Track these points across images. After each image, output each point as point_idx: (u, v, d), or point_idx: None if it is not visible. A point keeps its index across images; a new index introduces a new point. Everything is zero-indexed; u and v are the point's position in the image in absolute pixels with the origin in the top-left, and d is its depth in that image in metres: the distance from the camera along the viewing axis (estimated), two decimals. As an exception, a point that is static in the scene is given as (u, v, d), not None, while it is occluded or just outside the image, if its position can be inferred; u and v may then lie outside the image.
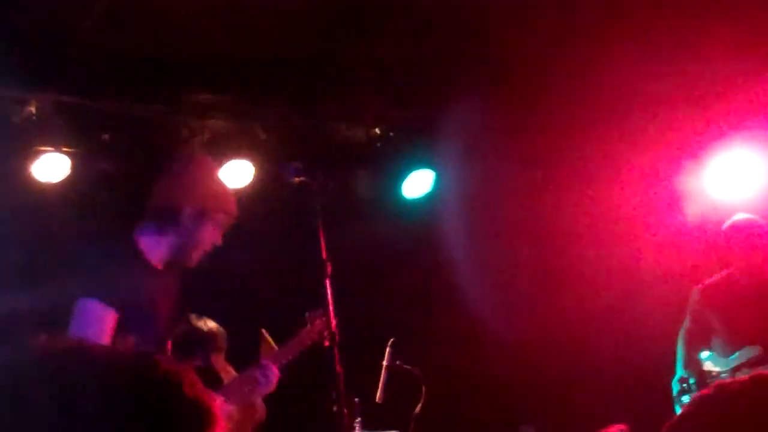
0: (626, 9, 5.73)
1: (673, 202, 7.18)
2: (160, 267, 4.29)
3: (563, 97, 6.56)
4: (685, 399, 6.35)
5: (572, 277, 7.45)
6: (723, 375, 6.27)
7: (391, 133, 7.00)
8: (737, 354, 6.24)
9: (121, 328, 4.05)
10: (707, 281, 6.50)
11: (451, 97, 6.45)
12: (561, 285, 7.49)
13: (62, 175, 6.35)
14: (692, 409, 1.87)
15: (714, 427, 1.79)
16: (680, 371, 6.42)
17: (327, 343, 4.43)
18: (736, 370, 6.21)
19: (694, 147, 6.99)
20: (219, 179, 4.53)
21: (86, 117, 6.34)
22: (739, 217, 6.35)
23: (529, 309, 7.51)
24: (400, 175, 7.21)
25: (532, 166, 7.40)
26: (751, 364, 6.16)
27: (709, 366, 6.37)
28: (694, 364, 6.41)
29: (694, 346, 6.45)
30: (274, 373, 4.75)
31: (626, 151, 7.02)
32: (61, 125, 6.26)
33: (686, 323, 6.54)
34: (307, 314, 5.00)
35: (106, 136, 6.44)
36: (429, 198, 7.27)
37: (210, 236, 4.34)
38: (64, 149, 6.34)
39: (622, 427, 5.45)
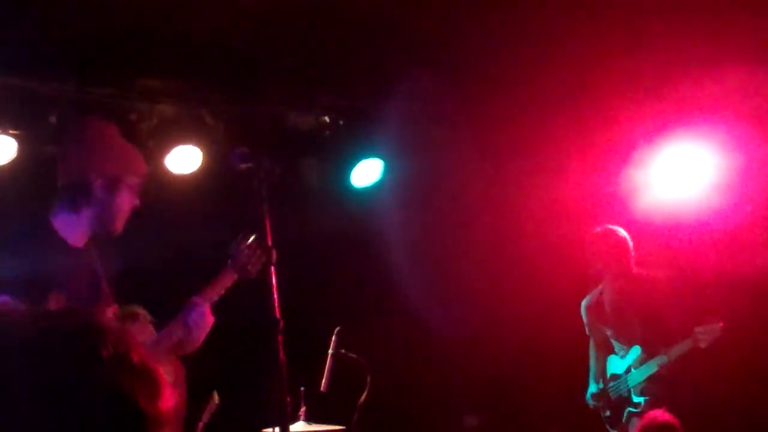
0: (575, 3, 5.76)
1: (620, 196, 7.24)
2: (81, 245, 4.16)
3: (513, 90, 6.59)
4: (606, 413, 6.61)
5: (518, 270, 7.49)
6: (621, 377, 6.52)
7: (341, 122, 6.99)
8: (626, 356, 6.50)
9: None
10: (588, 296, 6.83)
11: (402, 87, 6.45)
12: (506, 277, 7.53)
13: (8, 158, 6.29)
14: None
15: None
16: (591, 386, 6.71)
17: (252, 274, 4.53)
18: (626, 372, 6.55)
19: (640, 141, 7.05)
20: (122, 140, 4.33)
21: (34, 99, 6.28)
22: (597, 229, 6.68)
23: (476, 300, 7.54)
24: (349, 164, 7.21)
25: (481, 157, 7.42)
26: (636, 364, 6.49)
27: (611, 370, 6.64)
28: (601, 374, 6.69)
29: (602, 355, 6.72)
30: (208, 312, 4.51)
31: (574, 145, 7.07)
32: (8, 107, 6.20)
33: (590, 337, 6.83)
34: (231, 244, 4.77)
35: (53, 119, 6.38)
36: (377, 187, 7.27)
37: (127, 202, 4.22)
38: (11, 131, 6.28)
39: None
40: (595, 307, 6.76)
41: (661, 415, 5.43)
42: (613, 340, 6.71)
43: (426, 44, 6.16)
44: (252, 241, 4.61)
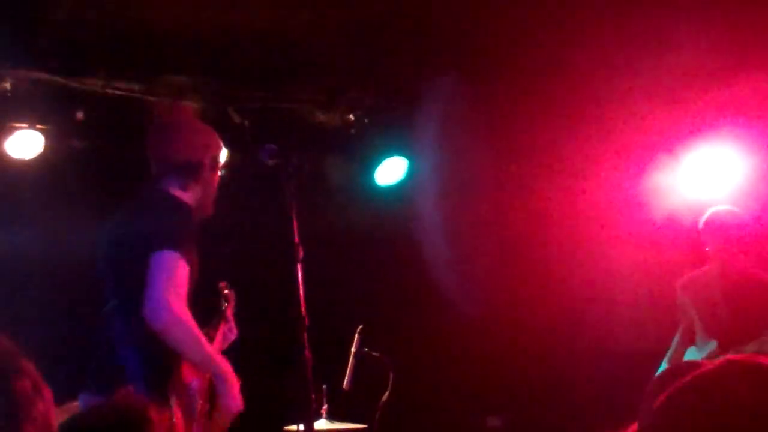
0: (602, 5, 5.74)
1: (648, 197, 7.20)
2: None
3: (538, 90, 6.57)
4: None
5: (545, 270, 7.47)
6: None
7: (366, 120, 6.99)
8: (703, 349, 6.28)
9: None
10: (688, 274, 6.44)
11: (427, 86, 6.45)
12: (533, 277, 7.51)
13: (35, 152, 6.33)
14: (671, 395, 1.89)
15: (692, 412, 1.82)
16: (663, 365, 6.47)
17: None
18: (710, 356, 6.21)
19: (668, 143, 7.02)
20: (195, 120, 4.66)
21: (61, 94, 6.32)
22: (717, 209, 6.25)
23: (501, 301, 7.53)
24: (374, 162, 7.21)
25: (506, 157, 7.41)
26: (708, 359, 6.19)
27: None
28: (677, 358, 6.44)
29: (684, 341, 6.47)
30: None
31: (600, 146, 7.04)
32: (36, 102, 6.23)
33: (681, 323, 6.56)
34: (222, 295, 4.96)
35: (80, 114, 6.41)
36: (402, 186, 7.27)
37: (217, 181, 4.56)
38: (38, 126, 6.32)
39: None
40: (691, 289, 6.38)
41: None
42: (697, 330, 6.36)
43: (452, 44, 6.15)
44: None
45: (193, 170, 4.44)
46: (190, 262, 4.18)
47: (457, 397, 7.54)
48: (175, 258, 4.10)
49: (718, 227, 6.18)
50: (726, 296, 6.21)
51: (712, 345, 6.17)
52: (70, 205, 6.55)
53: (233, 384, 4.24)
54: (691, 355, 6.33)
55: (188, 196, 4.43)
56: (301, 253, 4.15)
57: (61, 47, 5.92)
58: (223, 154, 4.60)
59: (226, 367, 4.22)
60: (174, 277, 4.10)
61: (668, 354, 6.46)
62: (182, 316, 4.07)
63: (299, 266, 4.10)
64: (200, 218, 4.50)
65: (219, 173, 4.59)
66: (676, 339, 6.48)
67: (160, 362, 4.15)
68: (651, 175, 7.12)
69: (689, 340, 6.38)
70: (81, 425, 2.48)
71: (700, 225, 6.26)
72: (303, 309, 4.03)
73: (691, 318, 6.38)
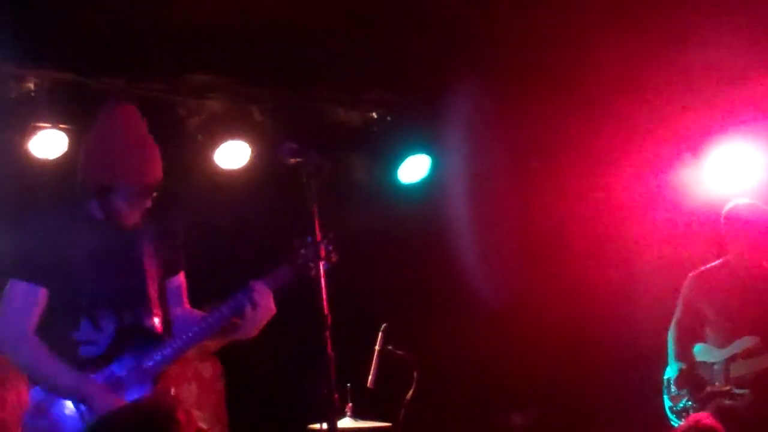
0: (626, 1, 5.72)
1: (671, 194, 7.17)
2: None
3: (560, 87, 6.55)
4: (671, 399, 6.32)
5: (568, 267, 7.45)
6: (716, 366, 6.21)
7: (389, 118, 6.99)
8: (733, 344, 6.17)
9: (59, 293, 4.13)
10: (701, 268, 6.38)
11: (449, 83, 6.44)
12: (556, 274, 7.48)
13: (59, 152, 6.35)
14: None
15: None
16: (672, 364, 6.38)
17: (312, 273, 4.34)
18: (730, 360, 6.12)
19: (693, 139, 6.98)
20: (129, 144, 4.32)
21: (84, 94, 6.34)
22: (738, 202, 6.21)
23: (524, 298, 7.51)
24: (397, 160, 7.20)
25: (529, 153, 7.39)
26: (746, 354, 6.08)
27: (701, 357, 6.30)
28: (687, 356, 6.34)
29: (688, 338, 6.37)
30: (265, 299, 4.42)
31: (625, 142, 7.01)
32: (59, 102, 6.26)
33: (677, 314, 6.44)
34: (294, 242, 4.67)
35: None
36: (425, 183, 7.26)
37: (123, 206, 4.29)
38: (62, 126, 6.34)
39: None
40: (708, 283, 6.30)
41: (704, 418, 5.21)
42: (711, 326, 6.28)
43: (474, 42, 6.14)
44: (317, 239, 4.55)
45: (81, 186, 4.30)
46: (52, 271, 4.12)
47: (481, 394, 7.53)
48: (16, 285, 4.13)
49: (738, 220, 6.14)
50: (753, 290, 6.14)
51: (749, 341, 6.07)
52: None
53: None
54: (708, 353, 6.25)
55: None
56: (323, 252, 4.14)
57: (83, 47, 5.93)
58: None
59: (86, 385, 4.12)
60: (14, 306, 4.13)
61: (673, 352, 6.37)
62: (10, 339, 4.11)
63: (321, 264, 4.10)
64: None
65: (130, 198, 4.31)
66: (674, 336, 6.40)
67: None
68: (674, 171, 7.09)
69: (692, 337, 6.30)
70: (108, 426, 2.48)
71: (724, 215, 6.21)
72: (326, 307, 4.03)
73: (697, 314, 6.29)
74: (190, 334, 4.32)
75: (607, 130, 6.91)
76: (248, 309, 4.34)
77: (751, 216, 6.10)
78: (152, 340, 4.31)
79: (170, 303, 4.51)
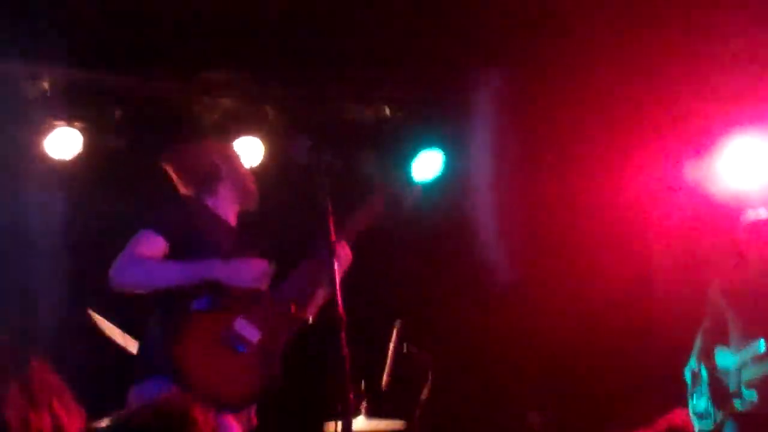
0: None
1: (687, 187, 7.14)
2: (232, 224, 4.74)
3: (576, 80, 6.52)
4: (696, 390, 6.34)
5: (584, 263, 7.41)
6: (732, 370, 6.24)
7: (401, 114, 6.97)
8: (744, 350, 6.18)
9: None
10: (724, 273, 6.37)
11: (462, 78, 6.42)
12: (574, 271, 7.45)
13: (74, 151, 6.38)
14: None
15: None
16: (692, 361, 6.39)
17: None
18: (741, 366, 6.11)
19: (709, 133, 6.95)
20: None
21: (99, 93, 6.37)
22: (762, 214, 6.27)
23: (540, 295, 7.48)
24: (409, 156, 7.18)
25: (544, 147, 7.35)
26: (756, 359, 6.08)
27: (720, 360, 6.33)
28: (707, 356, 6.36)
29: (712, 340, 6.40)
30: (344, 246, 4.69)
31: (641, 135, 6.98)
32: (74, 101, 6.29)
33: (705, 321, 6.48)
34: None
35: (118, 112, 6.46)
36: (438, 179, 7.23)
37: (242, 166, 4.87)
38: (77, 124, 6.37)
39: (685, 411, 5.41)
40: (730, 288, 6.28)
41: (676, 417, 5.19)
42: (734, 331, 6.24)
43: (486, 36, 6.12)
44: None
45: (211, 173, 4.76)
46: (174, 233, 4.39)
47: (497, 393, 7.51)
48: (140, 233, 4.37)
49: (760, 234, 6.18)
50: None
51: (762, 346, 6.08)
52: (109, 203, 6.59)
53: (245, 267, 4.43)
54: (727, 357, 6.27)
55: (213, 200, 4.74)
56: (336, 249, 4.13)
57: (98, 46, 5.95)
58: None
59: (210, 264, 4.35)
60: (131, 246, 4.34)
61: (696, 350, 6.38)
62: (125, 258, 4.29)
63: (335, 263, 4.09)
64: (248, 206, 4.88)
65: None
66: (700, 337, 6.42)
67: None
68: (690, 165, 7.06)
69: (716, 340, 6.32)
70: (126, 426, 2.49)
71: (745, 225, 6.22)
72: (340, 306, 4.02)
73: (722, 318, 6.31)
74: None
75: (623, 123, 6.88)
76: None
77: None
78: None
79: None
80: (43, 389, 1.88)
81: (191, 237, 4.42)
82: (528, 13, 5.83)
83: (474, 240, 7.40)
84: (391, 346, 5.72)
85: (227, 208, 4.71)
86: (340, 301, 4.02)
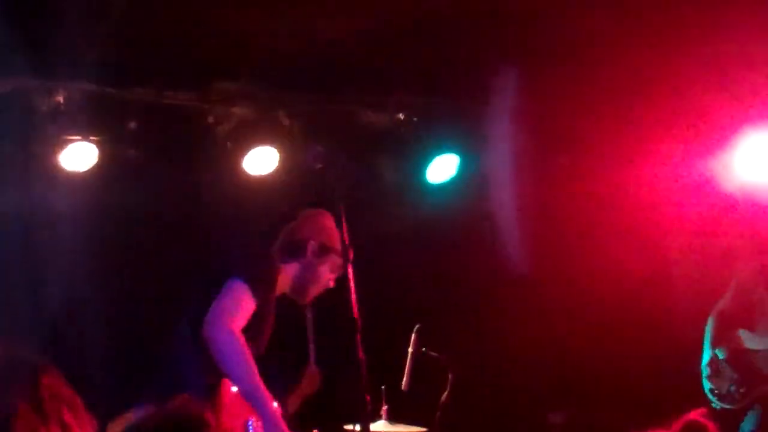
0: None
1: (703, 183, 7.12)
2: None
3: (591, 81, 6.51)
4: (712, 382, 6.34)
5: (602, 261, 7.40)
6: (761, 354, 6.25)
7: (415, 118, 6.97)
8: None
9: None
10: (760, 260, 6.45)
11: (476, 82, 6.42)
12: (591, 270, 7.44)
13: (89, 164, 6.39)
14: None
15: None
16: (707, 352, 6.40)
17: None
18: None
19: (724, 128, 6.93)
20: (339, 230, 4.76)
21: (113, 105, 6.38)
22: None
23: (559, 295, 7.47)
24: (425, 160, 7.18)
25: (559, 147, 7.34)
26: None
27: (749, 344, 6.34)
28: (727, 341, 6.36)
29: (732, 324, 6.40)
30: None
31: (655, 133, 6.96)
32: (88, 114, 6.30)
33: (723, 301, 6.47)
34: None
35: (132, 125, 6.47)
36: (453, 183, 7.23)
37: (325, 275, 4.91)
38: (92, 138, 6.38)
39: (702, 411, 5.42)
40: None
41: (698, 416, 5.20)
42: (762, 314, 6.39)
43: (500, 38, 6.11)
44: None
45: (297, 247, 4.94)
46: (260, 303, 4.57)
47: (517, 394, 7.50)
48: (244, 289, 4.49)
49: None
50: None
51: None
52: (125, 216, 6.62)
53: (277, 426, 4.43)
54: (753, 341, 6.26)
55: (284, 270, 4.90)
56: (352, 255, 4.14)
57: (111, 59, 5.96)
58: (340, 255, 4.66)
59: (269, 405, 4.43)
60: (237, 303, 4.47)
61: (710, 339, 6.41)
62: (233, 334, 4.39)
63: (351, 268, 4.10)
64: (293, 298, 5.00)
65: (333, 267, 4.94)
66: (715, 322, 6.43)
67: (211, 380, 4.39)
68: (706, 161, 7.04)
69: (737, 323, 6.33)
70: (140, 429, 2.51)
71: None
72: (355, 310, 4.03)
73: (753, 302, 6.31)
74: None
75: (638, 120, 6.86)
76: None
77: None
78: None
79: None
80: (53, 399, 1.85)
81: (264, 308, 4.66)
82: (542, 13, 5.82)
83: (491, 242, 7.40)
84: (411, 350, 5.71)
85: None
86: (355, 306, 4.04)
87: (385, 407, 5.55)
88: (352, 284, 4.06)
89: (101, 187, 6.51)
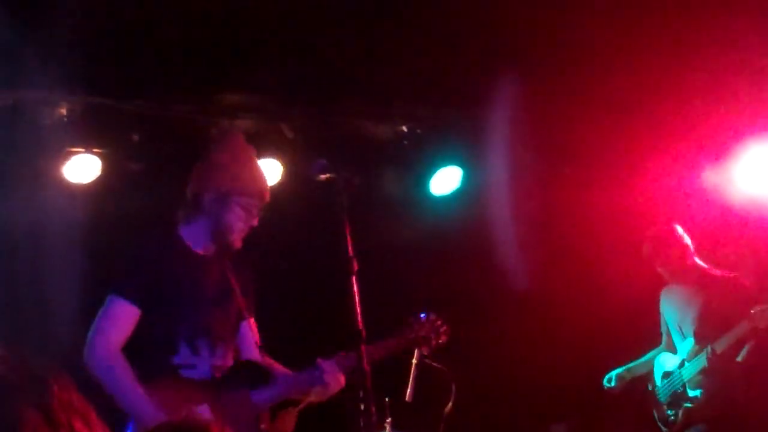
0: (655, 2, 5.70)
1: (702, 195, 7.14)
2: (202, 253, 4.59)
3: (593, 93, 6.52)
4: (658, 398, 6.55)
5: (604, 273, 7.40)
6: (675, 373, 6.41)
7: (418, 131, 6.98)
8: (680, 350, 6.48)
9: (155, 318, 4.41)
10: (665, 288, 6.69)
11: (479, 93, 6.43)
12: (593, 282, 7.44)
13: (93, 176, 6.40)
14: None
15: None
16: (620, 369, 6.69)
17: (426, 352, 5.00)
18: (681, 365, 6.46)
19: (724, 140, 6.94)
20: (244, 160, 4.66)
21: (116, 118, 6.39)
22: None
23: (561, 308, 7.47)
24: (428, 173, 7.19)
25: (562, 159, 7.36)
26: (691, 356, 6.37)
27: (661, 368, 6.59)
28: (643, 370, 6.67)
29: (656, 353, 6.74)
30: (334, 377, 4.64)
31: (656, 144, 6.98)
32: (92, 126, 6.31)
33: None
34: (411, 318, 5.11)
35: (135, 137, 6.48)
36: (457, 195, 7.24)
37: (236, 219, 4.55)
38: (95, 150, 6.39)
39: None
40: (667, 299, 6.67)
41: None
42: (672, 334, 6.60)
43: (502, 50, 6.13)
44: (435, 319, 4.90)
45: (194, 203, 4.59)
46: (144, 296, 4.37)
47: (520, 405, 7.49)
48: (112, 299, 4.39)
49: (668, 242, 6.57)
50: (688, 296, 6.48)
51: (690, 343, 6.28)
52: (128, 228, 6.62)
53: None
54: (669, 359, 6.43)
55: (188, 229, 4.61)
56: (355, 266, 4.15)
57: (114, 71, 5.98)
58: (247, 194, 4.58)
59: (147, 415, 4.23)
60: (107, 318, 4.37)
61: (641, 360, 6.63)
62: (102, 360, 4.30)
63: (354, 279, 4.10)
64: (222, 249, 4.62)
65: (247, 207, 4.60)
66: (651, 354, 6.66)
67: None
68: (706, 172, 7.06)
69: (660, 348, 6.54)
70: None
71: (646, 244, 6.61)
72: (359, 322, 4.04)
73: (665, 325, 6.54)
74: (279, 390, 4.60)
75: (639, 131, 6.88)
76: (317, 388, 4.62)
77: (666, 237, 6.54)
78: (241, 377, 4.55)
79: (242, 345, 4.77)
80: (64, 409, 1.83)
81: (162, 293, 4.43)
82: (544, 26, 5.84)
83: (494, 254, 7.40)
84: (414, 361, 5.71)
85: (198, 239, 4.63)
86: (359, 316, 4.04)
87: (389, 419, 5.55)
88: (356, 295, 4.07)
89: (105, 199, 6.52)
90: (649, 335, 7.10)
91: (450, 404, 5.67)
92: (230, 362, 4.63)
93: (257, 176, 4.70)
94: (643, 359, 6.77)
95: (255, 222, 4.63)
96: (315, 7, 5.56)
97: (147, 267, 4.46)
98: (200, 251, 4.60)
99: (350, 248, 4.14)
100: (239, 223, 4.57)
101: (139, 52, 5.82)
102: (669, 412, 6.46)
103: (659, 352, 6.71)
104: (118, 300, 4.39)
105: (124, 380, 4.29)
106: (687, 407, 6.31)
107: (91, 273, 6.39)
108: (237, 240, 4.59)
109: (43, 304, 6.28)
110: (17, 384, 1.81)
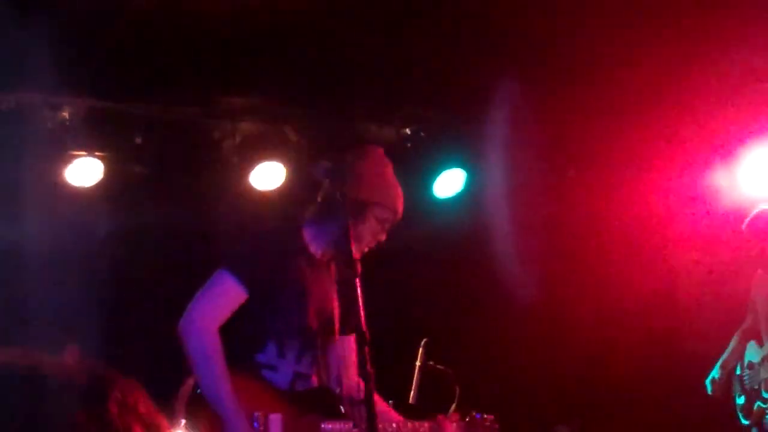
0: (660, 3, 5.69)
1: (707, 197, 7.13)
2: (318, 256, 4.48)
3: (597, 96, 6.52)
4: (736, 389, 6.35)
5: (608, 275, 7.40)
6: (756, 367, 6.23)
7: (422, 133, 6.98)
8: (766, 346, 6.19)
9: (255, 308, 4.26)
10: (762, 271, 6.37)
11: (483, 97, 6.42)
12: (597, 284, 7.44)
13: (95, 179, 6.40)
14: None
15: None
16: (714, 370, 6.39)
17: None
18: (763, 361, 6.18)
19: (728, 142, 6.93)
20: (386, 174, 4.58)
21: (118, 121, 6.39)
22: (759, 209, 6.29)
23: (565, 309, 7.46)
24: (431, 175, 7.19)
25: (566, 162, 7.35)
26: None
27: (749, 356, 6.32)
28: (733, 357, 6.36)
29: (746, 338, 6.39)
30: None
31: (660, 147, 6.97)
32: (94, 129, 6.31)
33: (746, 322, 6.46)
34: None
35: (138, 140, 6.48)
36: (461, 197, 7.24)
37: (368, 230, 4.47)
38: (97, 153, 6.39)
39: None
40: (763, 287, 6.33)
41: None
42: (763, 321, 6.32)
43: (507, 53, 6.13)
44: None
45: (327, 206, 4.43)
46: (257, 284, 4.25)
47: (524, 407, 7.48)
48: (224, 275, 4.22)
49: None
50: None
51: None
52: (131, 231, 6.62)
53: None
54: (753, 353, 6.24)
55: (311, 229, 4.50)
56: (359, 269, 4.13)
57: (117, 74, 5.98)
58: (385, 207, 4.49)
59: (235, 418, 4.10)
60: (214, 294, 4.21)
61: (723, 356, 6.38)
62: (202, 338, 4.14)
63: (358, 281, 4.08)
64: (341, 257, 4.48)
65: (381, 220, 4.51)
66: (735, 338, 6.40)
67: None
68: (710, 175, 7.05)
69: (751, 337, 6.30)
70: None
71: (744, 225, 6.23)
72: (363, 324, 4.02)
73: (759, 313, 6.29)
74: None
75: (644, 135, 6.87)
76: None
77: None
78: (318, 401, 4.41)
79: (332, 361, 4.64)
80: (124, 414, 1.78)
81: (270, 285, 4.30)
82: (547, 29, 5.83)
83: (497, 256, 7.40)
84: (418, 363, 5.70)
85: (319, 241, 4.51)
86: (363, 320, 4.02)
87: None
88: (360, 298, 4.05)
89: (107, 202, 6.51)
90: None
91: (454, 406, 5.65)
92: (313, 374, 4.51)
93: (396, 192, 4.60)
94: (729, 347, 6.46)
95: (383, 237, 4.57)
96: (319, 11, 5.56)
97: (263, 255, 4.33)
98: (317, 254, 4.51)
99: (354, 251, 4.13)
100: (369, 235, 4.50)
101: (142, 56, 5.82)
102: (743, 401, 6.27)
103: (746, 336, 6.41)
104: (229, 277, 4.23)
105: (214, 365, 4.15)
106: (761, 407, 6.17)
107: (93, 275, 6.40)
108: (358, 251, 4.45)
109: (45, 306, 6.28)
110: (71, 389, 1.77)
